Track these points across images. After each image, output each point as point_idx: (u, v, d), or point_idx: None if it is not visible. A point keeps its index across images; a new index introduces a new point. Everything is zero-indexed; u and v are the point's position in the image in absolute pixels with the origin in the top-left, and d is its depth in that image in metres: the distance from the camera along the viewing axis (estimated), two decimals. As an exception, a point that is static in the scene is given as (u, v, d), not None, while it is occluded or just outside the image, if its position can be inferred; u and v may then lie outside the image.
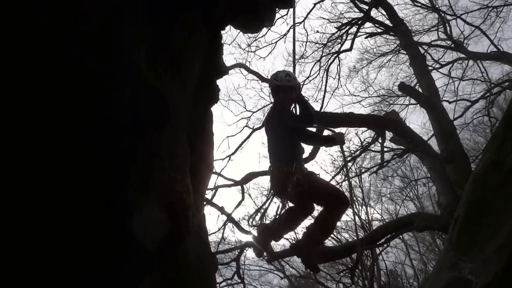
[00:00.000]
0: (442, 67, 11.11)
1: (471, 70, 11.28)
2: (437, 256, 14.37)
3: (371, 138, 9.49)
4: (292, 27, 4.77)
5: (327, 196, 3.65)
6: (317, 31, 16.98)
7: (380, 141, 8.72)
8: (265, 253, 4.08)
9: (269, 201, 8.82)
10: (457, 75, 11.36)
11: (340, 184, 9.16)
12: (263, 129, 4.17)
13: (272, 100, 4.26)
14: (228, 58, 14.26)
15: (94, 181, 1.85)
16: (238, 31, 7.25)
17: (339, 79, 10.82)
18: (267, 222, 8.64)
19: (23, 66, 1.69)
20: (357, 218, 14.05)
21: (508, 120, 3.10)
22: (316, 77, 10.58)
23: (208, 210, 8.46)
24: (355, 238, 9.67)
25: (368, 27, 11.06)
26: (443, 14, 10.84)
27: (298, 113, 4.00)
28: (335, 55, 10.49)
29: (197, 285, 2.73)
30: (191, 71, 2.93)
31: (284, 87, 3.86)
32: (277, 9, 4.59)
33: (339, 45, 10.70)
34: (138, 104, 2.20)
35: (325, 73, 10.21)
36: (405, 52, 10.45)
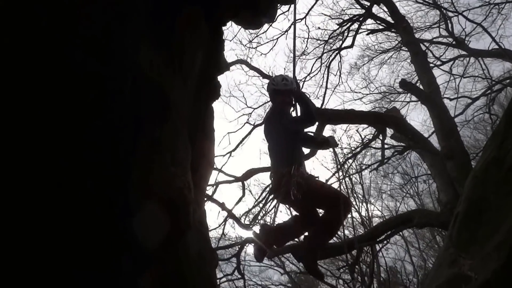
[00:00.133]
0: (443, 64, 11.08)
1: (472, 67, 11.24)
2: (436, 253, 14.41)
3: (372, 135, 9.48)
4: (293, 23, 4.73)
5: (327, 198, 3.60)
6: (319, 28, 16.87)
7: (381, 138, 8.72)
8: (265, 250, 4.01)
9: (270, 199, 8.83)
10: (458, 72, 11.32)
11: (340, 181, 9.16)
12: (263, 128, 4.16)
13: (271, 104, 4.27)
14: (229, 54, 14.23)
15: (95, 183, 1.86)
16: (240, 27, 7.25)
17: (340, 75, 10.79)
18: (270, 223, 8.67)
19: (25, 69, 1.69)
20: (357, 214, 14.10)
21: (509, 118, 3.10)
22: (317, 73, 10.56)
23: (208, 206, 8.50)
24: (355, 235, 9.69)
25: (370, 23, 11.03)
26: (444, 11, 10.81)
27: (299, 112, 3.99)
28: (337, 51, 10.47)
29: (198, 280, 2.74)
30: (192, 67, 2.93)
31: (281, 91, 3.90)
32: (278, 5, 4.57)
33: (341, 41, 10.70)
34: (139, 100, 2.20)
35: (326, 70, 10.20)
36: (406, 49, 10.42)
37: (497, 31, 10.58)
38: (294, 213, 3.83)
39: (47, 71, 1.75)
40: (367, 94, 12.43)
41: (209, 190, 7.92)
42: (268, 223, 5.15)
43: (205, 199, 5.47)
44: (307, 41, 10.89)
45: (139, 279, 2.13)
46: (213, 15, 3.20)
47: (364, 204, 15.14)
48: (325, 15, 11.26)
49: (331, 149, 4.56)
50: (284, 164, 3.64)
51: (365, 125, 9.46)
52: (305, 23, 12.15)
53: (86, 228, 1.80)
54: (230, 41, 10.37)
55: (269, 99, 5.22)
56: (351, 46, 10.19)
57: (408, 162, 15.31)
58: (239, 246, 8.34)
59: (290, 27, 10.21)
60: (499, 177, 2.84)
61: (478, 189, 3.03)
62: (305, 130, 4.06)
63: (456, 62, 11.31)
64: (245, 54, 17.00)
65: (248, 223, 9.20)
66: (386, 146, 9.17)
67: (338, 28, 10.70)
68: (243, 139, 9.42)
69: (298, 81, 4.46)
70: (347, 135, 15.56)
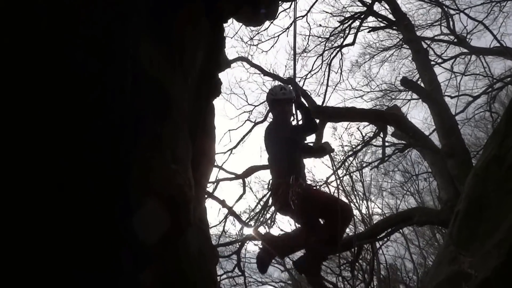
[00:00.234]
0: (444, 62, 11.06)
1: (473, 65, 11.23)
2: (436, 251, 14.42)
3: (373, 133, 9.48)
4: (298, 18, 4.71)
5: (326, 208, 3.53)
6: (320, 25, 16.91)
7: (382, 135, 8.72)
8: (268, 262, 3.87)
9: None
10: (460, 70, 11.33)
11: (341, 178, 9.15)
12: (264, 128, 4.15)
13: (271, 114, 4.23)
14: (230, 52, 14.23)
15: (95, 183, 1.86)
16: (241, 24, 7.24)
17: (341, 73, 10.78)
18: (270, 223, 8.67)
19: (26, 69, 1.69)
20: (357, 212, 14.12)
21: (510, 116, 3.10)
22: (318, 71, 10.58)
23: (209, 203, 8.50)
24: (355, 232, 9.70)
25: (371, 21, 11.01)
26: (446, 9, 10.79)
27: (299, 120, 3.95)
28: (338, 49, 10.46)
29: (198, 277, 2.75)
30: (193, 64, 2.93)
31: (279, 100, 3.90)
32: (279, 2, 4.56)
33: (342, 39, 10.69)
34: (139, 98, 2.20)
35: (327, 67, 10.19)
36: (407, 47, 10.40)
37: (499, 29, 10.67)
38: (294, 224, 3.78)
39: (47, 71, 1.75)
40: (368, 92, 12.44)
41: (209, 187, 7.94)
42: (269, 232, 5.08)
43: (206, 196, 5.48)
44: (308, 39, 10.90)
45: (139, 277, 2.14)
46: (213, 11, 3.20)
47: (364, 201, 15.18)
48: (326, 12, 11.24)
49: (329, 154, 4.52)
50: (283, 175, 3.60)
51: (366, 123, 9.45)
52: (307, 21, 12.17)
53: (86, 227, 1.81)
54: (231, 38, 10.37)
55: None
56: (353, 43, 10.18)
57: (408, 160, 15.32)
58: (239, 244, 8.36)
59: (291, 24, 10.21)
60: (499, 175, 2.84)
61: (479, 187, 3.03)
62: (306, 137, 4.01)
63: (457, 60, 11.32)
64: (246, 51, 16.96)
65: (249, 220, 9.22)
66: (386, 144, 9.16)
67: (339, 26, 10.69)
68: (243, 137, 9.42)
69: (299, 79, 4.45)
70: (348, 133, 15.53)
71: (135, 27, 2.27)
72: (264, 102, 10.38)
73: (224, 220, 8.71)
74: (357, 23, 10.50)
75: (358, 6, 10.92)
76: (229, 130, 9.59)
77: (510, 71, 11.16)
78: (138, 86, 2.19)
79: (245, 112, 10.42)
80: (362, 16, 10.47)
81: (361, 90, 12.35)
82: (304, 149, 3.99)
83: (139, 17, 2.32)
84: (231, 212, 8.30)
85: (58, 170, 1.73)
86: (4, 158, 1.58)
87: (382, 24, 10.84)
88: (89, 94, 1.90)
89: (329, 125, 10.23)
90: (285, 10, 9.64)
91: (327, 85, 9.92)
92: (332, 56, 10.39)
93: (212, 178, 7.27)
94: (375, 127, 8.98)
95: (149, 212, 2.08)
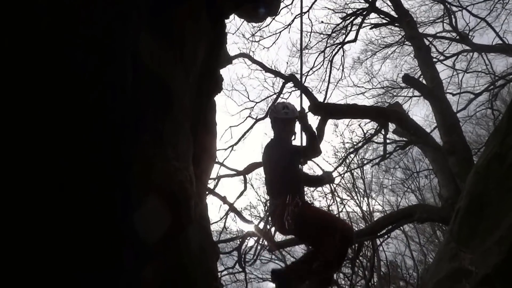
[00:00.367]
0: (446, 59, 11.05)
1: (475, 62, 11.19)
2: (437, 248, 14.44)
3: (374, 130, 9.47)
4: (298, 15, 4.67)
5: (324, 229, 3.27)
6: (322, 22, 16.79)
7: (383, 132, 8.71)
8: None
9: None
10: (462, 67, 11.27)
11: (342, 175, 9.17)
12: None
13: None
14: (232, 48, 14.22)
15: (96, 181, 1.87)
16: (242, 20, 7.22)
17: (343, 70, 10.77)
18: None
19: (26, 69, 1.69)
20: (358, 209, 14.13)
21: (512, 113, 3.09)
22: (320, 68, 10.54)
23: (210, 200, 8.52)
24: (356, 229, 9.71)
25: (373, 18, 10.98)
26: (448, 6, 10.75)
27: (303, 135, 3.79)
28: (340, 46, 10.44)
29: (199, 273, 2.76)
30: (194, 59, 2.93)
31: (281, 119, 3.76)
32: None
33: (344, 36, 10.65)
34: (140, 94, 2.20)
35: (329, 64, 10.16)
36: (409, 44, 10.37)
37: (501, 26, 10.62)
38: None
39: (48, 71, 1.75)
40: (370, 89, 12.41)
41: (210, 184, 7.95)
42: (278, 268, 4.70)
43: (207, 192, 5.48)
44: (310, 35, 10.85)
45: (141, 273, 2.15)
46: (214, 7, 3.19)
47: (365, 198, 15.20)
48: (328, 8, 11.23)
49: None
50: (279, 194, 3.46)
51: (368, 120, 9.45)
52: (308, 17, 12.09)
53: (87, 226, 1.81)
54: (233, 34, 10.37)
55: (271, 94, 5.15)
56: (354, 40, 10.15)
57: (409, 157, 15.32)
58: (240, 240, 8.38)
59: (293, 20, 10.19)
60: (501, 172, 2.83)
61: (480, 184, 3.03)
62: (307, 160, 3.88)
63: (460, 57, 11.29)
64: (247, 47, 16.96)
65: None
66: (388, 141, 9.17)
67: (341, 22, 10.66)
68: (245, 133, 9.43)
69: (303, 75, 4.31)
70: (349, 130, 15.54)
71: (135, 25, 2.27)
72: (265, 98, 10.41)
73: (225, 217, 8.74)
74: (359, 19, 10.48)
75: (360, 2, 10.91)
76: (230, 126, 9.62)
77: (512, 69, 11.13)
78: (139, 81, 2.19)
79: (246, 108, 10.44)
80: (364, 13, 10.44)
81: (362, 87, 12.33)
82: (300, 175, 3.74)
83: (139, 14, 2.31)
84: (232, 208, 8.32)
85: (59, 169, 1.73)
86: (5, 158, 1.58)
87: (384, 21, 10.81)
88: (90, 94, 1.90)
89: (330, 122, 10.23)
90: (286, 6, 9.63)
91: (329, 82, 9.91)
92: (334, 52, 10.39)
93: (213, 174, 7.27)
94: (377, 124, 8.97)
95: (150, 210, 2.09)
